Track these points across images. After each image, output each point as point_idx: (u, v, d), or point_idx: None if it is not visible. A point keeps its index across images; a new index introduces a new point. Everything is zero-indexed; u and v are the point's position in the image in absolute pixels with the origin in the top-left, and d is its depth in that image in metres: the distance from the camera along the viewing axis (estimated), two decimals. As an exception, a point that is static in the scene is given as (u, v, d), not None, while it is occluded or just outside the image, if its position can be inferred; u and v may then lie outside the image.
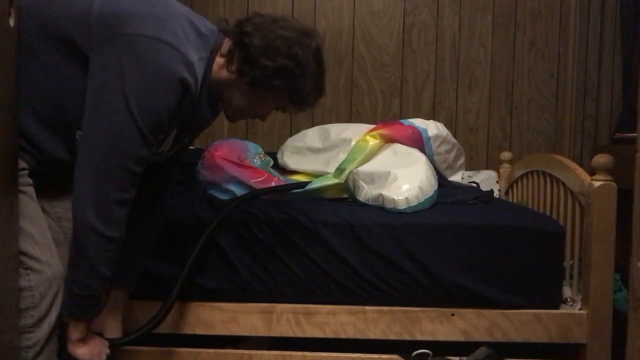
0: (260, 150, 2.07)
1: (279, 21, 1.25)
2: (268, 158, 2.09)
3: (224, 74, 1.25)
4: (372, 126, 2.06)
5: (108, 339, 1.33)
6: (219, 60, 1.24)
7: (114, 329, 1.40)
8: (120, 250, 1.20)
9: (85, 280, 1.17)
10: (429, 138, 2.02)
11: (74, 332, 1.22)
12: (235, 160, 1.88)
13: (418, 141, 2.00)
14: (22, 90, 1.16)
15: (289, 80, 1.23)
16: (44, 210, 1.24)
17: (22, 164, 1.17)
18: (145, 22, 1.12)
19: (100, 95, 1.12)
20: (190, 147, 2.51)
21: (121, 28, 1.11)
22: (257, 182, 1.85)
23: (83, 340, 1.24)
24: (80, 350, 1.24)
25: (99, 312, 1.29)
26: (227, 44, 1.24)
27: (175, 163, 1.45)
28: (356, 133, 2.03)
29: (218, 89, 1.27)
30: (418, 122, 2.06)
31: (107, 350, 1.30)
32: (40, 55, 1.17)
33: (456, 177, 2.25)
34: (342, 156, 1.95)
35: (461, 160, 2.26)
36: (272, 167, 2.13)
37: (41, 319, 1.18)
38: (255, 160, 1.98)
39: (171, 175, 1.48)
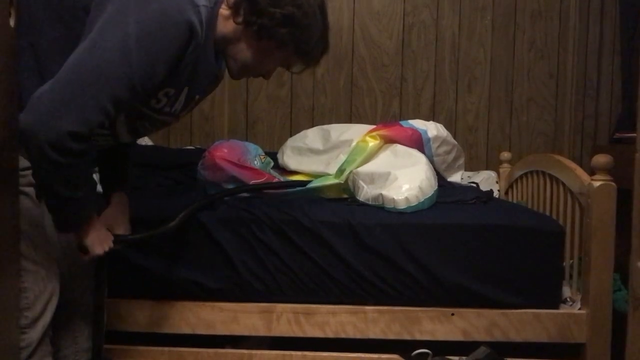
0: (260, 151, 2.07)
1: None
2: (268, 159, 2.09)
3: (230, 26, 1.22)
4: (372, 127, 2.06)
5: (115, 235, 1.31)
6: (224, 12, 1.22)
7: (122, 225, 1.38)
8: (84, 171, 1.15)
9: (53, 202, 1.14)
10: (428, 139, 2.03)
11: (76, 237, 1.22)
12: (235, 161, 1.88)
13: (418, 142, 2.00)
14: (32, 81, 1.14)
15: (295, 29, 1.22)
16: (42, 210, 1.24)
17: (24, 163, 1.16)
18: None
19: (100, 31, 1.07)
20: (191, 147, 2.52)
21: None
22: (258, 183, 1.85)
23: (86, 231, 1.21)
24: (84, 238, 1.22)
25: (89, 216, 1.22)
26: None
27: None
28: (356, 134, 2.03)
29: (223, 44, 1.25)
30: (418, 124, 2.06)
31: (111, 244, 1.27)
32: (46, 32, 1.15)
33: (455, 178, 2.25)
34: (343, 157, 1.95)
35: (460, 161, 2.26)
36: (272, 167, 2.13)
37: (35, 320, 1.18)
38: (256, 162, 1.98)
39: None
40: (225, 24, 1.23)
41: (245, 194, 1.82)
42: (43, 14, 1.16)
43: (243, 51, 1.25)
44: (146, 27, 1.07)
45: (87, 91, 1.05)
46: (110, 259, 1.41)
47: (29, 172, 1.17)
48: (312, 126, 2.36)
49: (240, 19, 1.21)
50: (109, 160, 1.41)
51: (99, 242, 1.24)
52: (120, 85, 1.07)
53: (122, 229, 1.37)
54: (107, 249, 1.25)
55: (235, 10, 1.21)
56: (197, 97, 1.31)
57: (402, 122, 2.06)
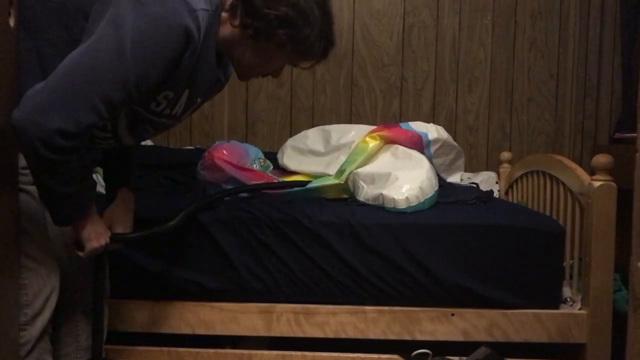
0: (260, 155, 2.08)
1: None
2: (268, 163, 2.09)
3: (229, 30, 1.23)
4: (373, 127, 2.06)
5: (113, 233, 1.30)
6: (224, 16, 1.23)
7: (124, 223, 1.37)
8: (78, 167, 1.14)
9: (48, 197, 1.14)
10: (429, 142, 2.03)
11: (74, 228, 1.21)
12: (235, 163, 1.88)
13: (418, 144, 2.00)
14: (36, 82, 1.14)
15: (291, 29, 1.21)
16: (44, 208, 1.24)
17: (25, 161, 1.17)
18: None
19: (97, 35, 1.08)
20: (190, 148, 2.52)
21: None
22: (258, 183, 1.85)
23: (83, 224, 1.21)
24: (81, 231, 1.21)
25: (86, 209, 1.22)
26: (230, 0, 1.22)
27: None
28: (357, 136, 2.03)
29: (227, 48, 1.26)
30: (418, 126, 2.06)
31: (108, 240, 1.26)
32: (48, 35, 1.16)
33: (455, 179, 2.25)
34: (343, 158, 1.95)
35: (460, 162, 2.26)
36: (272, 168, 2.13)
37: (34, 317, 1.18)
38: (255, 165, 1.99)
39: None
40: (225, 27, 1.23)
41: (245, 194, 1.82)
42: (46, 18, 1.17)
43: (245, 53, 1.26)
44: (142, 30, 1.07)
45: (79, 90, 1.05)
46: (110, 258, 1.41)
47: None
48: (312, 126, 2.36)
49: (237, 22, 1.22)
50: (112, 158, 1.41)
51: (94, 236, 1.23)
52: (112, 86, 1.07)
53: (122, 227, 1.36)
54: (103, 243, 1.24)
55: (232, 13, 1.22)
56: (199, 100, 1.31)
57: (402, 124, 2.06)
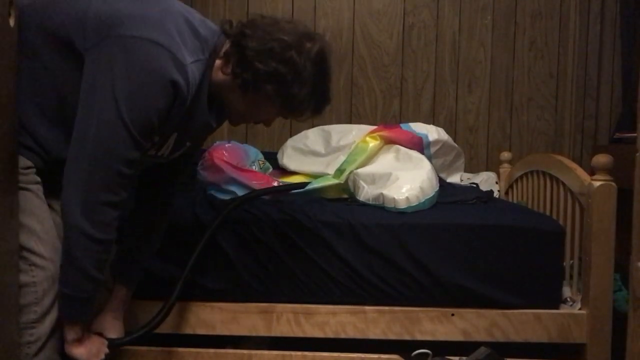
0: (260, 156, 2.08)
1: (280, 23, 1.22)
2: (267, 165, 2.09)
3: (221, 76, 1.24)
4: (374, 127, 2.06)
5: (107, 339, 1.32)
6: (218, 63, 1.24)
7: (115, 328, 1.38)
8: (111, 253, 1.20)
9: (74, 282, 1.16)
10: (429, 143, 2.03)
11: (69, 332, 1.22)
12: (235, 164, 1.88)
13: (418, 145, 2.00)
14: (28, 90, 1.16)
15: (280, 85, 1.20)
16: (52, 208, 1.24)
17: (27, 162, 1.18)
18: (139, 23, 1.11)
19: (91, 96, 1.11)
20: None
21: (114, 29, 1.11)
22: (258, 184, 1.85)
23: (79, 340, 1.23)
24: (77, 350, 1.23)
25: (90, 315, 1.27)
26: (226, 46, 1.23)
27: (181, 165, 1.44)
28: (358, 137, 2.03)
29: (219, 93, 1.26)
30: (419, 128, 2.06)
31: (106, 350, 1.29)
32: (42, 55, 1.17)
33: (454, 179, 2.26)
34: (343, 158, 1.95)
35: (459, 162, 2.26)
36: (272, 167, 2.14)
37: (44, 315, 1.18)
38: (254, 167, 1.99)
39: (176, 177, 1.47)
40: (218, 74, 1.24)
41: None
42: (41, 42, 1.17)
43: (234, 101, 1.27)
44: (133, 91, 1.10)
45: (101, 162, 1.12)
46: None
47: (30, 170, 1.19)
48: (312, 126, 2.36)
49: (228, 70, 1.22)
50: (134, 241, 1.42)
51: (94, 355, 1.25)
52: (125, 147, 1.12)
53: (114, 332, 1.37)
54: (102, 357, 1.27)
55: (225, 61, 1.23)
56: (187, 143, 1.33)
57: (402, 125, 2.06)
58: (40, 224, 1.19)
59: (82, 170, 1.12)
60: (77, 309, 1.20)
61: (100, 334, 1.32)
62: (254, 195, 1.75)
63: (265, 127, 1.37)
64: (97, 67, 1.11)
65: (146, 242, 1.44)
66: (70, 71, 1.16)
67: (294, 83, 1.20)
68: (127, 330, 1.42)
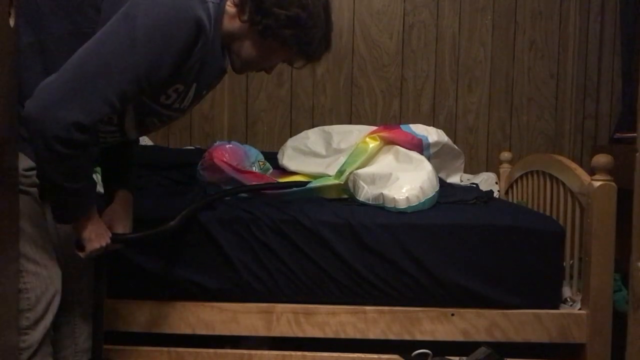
0: (260, 157, 2.08)
1: None
2: (267, 165, 2.09)
3: (235, 24, 1.23)
4: (374, 128, 2.06)
5: (114, 233, 1.30)
6: (230, 10, 1.23)
7: (123, 223, 1.37)
8: (86, 166, 1.15)
9: (53, 195, 1.14)
10: (428, 144, 2.03)
11: (75, 228, 1.21)
12: (234, 165, 1.88)
13: (418, 147, 2.00)
14: (33, 70, 1.15)
15: (300, 30, 1.22)
16: (45, 211, 1.24)
17: (30, 163, 1.16)
18: None
19: (110, 25, 1.09)
20: (190, 148, 2.52)
21: None
22: (258, 183, 1.85)
23: (84, 224, 1.21)
24: (82, 230, 1.21)
25: (89, 211, 1.21)
26: None
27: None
28: (359, 139, 2.03)
29: (227, 40, 1.26)
30: (419, 129, 2.06)
31: (109, 240, 1.26)
32: (50, 26, 1.16)
33: (454, 180, 2.25)
34: (343, 159, 1.95)
35: (459, 163, 2.26)
36: (272, 167, 2.13)
37: (36, 322, 1.17)
38: (254, 168, 1.99)
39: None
40: (231, 21, 1.23)
41: (245, 195, 1.82)
42: (50, 11, 1.17)
43: (247, 48, 1.26)
44: (154, 22, 1.08)
45: (93, 83, 1.06)
46: (110, 259, 1.41)
47: (33, 172, 1.17)
48: (312, 126, 2.36)
49: (245, 17, 1.22)
50: (112, 158, 1.40)
51: (95, 237, 1.22)
52: (125, 78, 1.08)
53: (122, 228, 1.36)
54: (103, 244, 1.24)
55: (240, 8, 1.22)
56: (204, 92, 1.32)
57: (402, 127, 2.06)
58: (35, 228, 1.18)
59: (68, 81, 1.05)
60: (68, 213, 1.18)
61: (108, 228, 1.29)
62: (255, 188, 1.76)
63: (266, 74, 1.38)
64: (120, 3, 1.09)
65: (125, 159, 1.42)
66: (83, 33, 1.13)
67: (312, 28, 1.23)
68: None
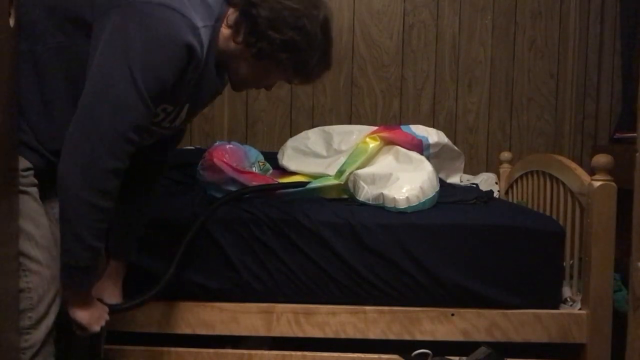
0: (260, 157, 2.08)
1: None
2: (267, 166, 2.09)
3: (231, 45, 1.24)
4: (374, 128, 2.06)
5: (108, 305, 1.31)
6: (225, 32, 1.23)
7: (114, 294, 1.38)
8: (109, 222, 1.18)
9: (73, 251, 1.14)
10: (428, 145, 2.04)
11: (74, 297, 1.21)
12: (234, 166, 1.88)
13: (418, 147, 2.00)
14: (30, 80, 1.15)
15: (295, 53, 1.22)
16: (46, 210, 1.24)
17: (27, 163, 1.16)
18: None
19: (103, 60, 1.10)
20: (191, 147, 2.52)
21: None
22: (258, 184, 1.85)
23: (82, 306, 1.22)
24: (81, 314, 1.22)
25: (93, 283, 1.25)
26: (232, 15, 1.23)
27: (172, 140, 1.44)
28: (359, 140, 2.03)
29: (224, 59, 1.26)
30: (419, 130, 2.06)
31: (107, 316, 1.28)
32: (45, 37, 1.16)
33: (454, 180, 2.25)
34: (343, 159, 1.95)
35: (458, 163, 2.26)
36: (272, 167, 2.13)
37: (39, 321, 1.17)
38: (254, 168, 1.99)
39: (168, 151, 1.46)
40: (226, 42, 1.24)
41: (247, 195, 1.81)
42: (45, 22, 1.17)
43: (243, 68, 1.27)
44: (148, 52, 1.09)
45: (110, 127, 1.09)
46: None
47: (31, 172, 1.17)
48: (312, 126, 2.36)
49: (240, 39, 1.22)
50: (124, 218, 1.41)
51: (95, 320, 1.25)
52: (136, 113, 1.11)
53: (113, 299, 1.38)
54: (104, 324, 1.27)
55: (235, 30, 1.22)
56: (198, 110, 1.34)
57: (403, 127, 2.06)
58: (36, 228, 1.17)
59: (88, 135, 1.08)
60: (78, 278, 1.18)
61: (100, 300, 1.31)
62: (253, 190, 1.75)
63: (266, 91, 1.39)
64: (110, 33, 1.10)
65: (137, 215, 1.44)
66: (77, 46, 1.14)
67: (307, 50, 1.23)
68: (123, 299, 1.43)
